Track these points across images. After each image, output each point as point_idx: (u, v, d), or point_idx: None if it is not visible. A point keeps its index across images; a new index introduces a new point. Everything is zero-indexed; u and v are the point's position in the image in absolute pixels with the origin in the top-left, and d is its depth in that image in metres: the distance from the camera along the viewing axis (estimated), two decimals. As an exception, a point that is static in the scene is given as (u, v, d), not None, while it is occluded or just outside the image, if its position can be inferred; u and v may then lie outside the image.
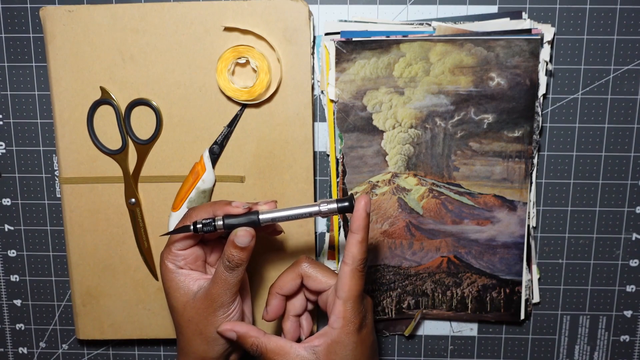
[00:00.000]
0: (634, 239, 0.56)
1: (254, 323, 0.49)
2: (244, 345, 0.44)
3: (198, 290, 0.45)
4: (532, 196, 0.54)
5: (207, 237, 0.46)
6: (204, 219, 0.43)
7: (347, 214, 0.55)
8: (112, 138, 0.53)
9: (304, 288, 0.47)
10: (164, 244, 0.49)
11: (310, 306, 0.49)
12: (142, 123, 0.53)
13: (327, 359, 0.42)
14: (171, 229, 0.54)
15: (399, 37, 0.51)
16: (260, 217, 0.43)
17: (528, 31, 0.51)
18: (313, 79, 0.53)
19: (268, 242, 0.54)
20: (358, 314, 0.42)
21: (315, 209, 0.43)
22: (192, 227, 0.43)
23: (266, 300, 0.47)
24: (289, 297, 0.47)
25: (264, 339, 0.43)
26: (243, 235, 0.42)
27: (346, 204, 0.42)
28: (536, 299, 0.57)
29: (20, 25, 0.54)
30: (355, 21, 0.52)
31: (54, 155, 0.56)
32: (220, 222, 0.43)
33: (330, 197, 0.55)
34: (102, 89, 0.52)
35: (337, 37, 0.52)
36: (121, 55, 0.52)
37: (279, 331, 0.51)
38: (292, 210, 0.43)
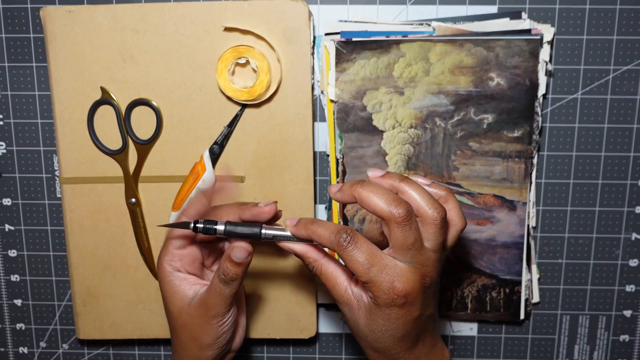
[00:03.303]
0: (633, 238, 0.56)
1: (247, 333, 0.49)
2: (303, 262, 0.43)
3: (194, 296, 0.44)
4: (532, 196, 0.54)
5: (204, 237, 0.46)
6: (206, 220, 0.42)
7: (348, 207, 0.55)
8: (112, 138, 0.53)
9: None
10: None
11: None
12: (142, 123, 0.53)
13: (367, 314, 0.40)
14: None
15: (399, 37, 0.51)
16: (263, 231, 0.42)
17: (528, 31, 0.51)
18: (313, 79, 0.53)
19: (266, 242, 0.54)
20: (384, 291, 0.38)
21: None
22: (192, 225, 0.42)
23: None
24: None
25: (322, 261, 0.42)
26: (239, 251, 0.42)
27: None
28: (536, 298, 0.57)
29: (20, 26, 0.54)
30: (355, 21, 0.52)
31: (54, 155, 0.56)
32: (222, 228, 0.42)
33: (330, 198, 0.55)
34: (102, 89, 0.52)
35: (337, 37, 0.52)
36: (121, 55, 0.52)
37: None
38: None
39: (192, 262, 0.46)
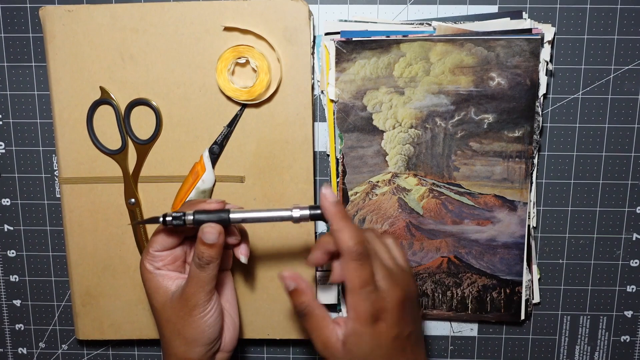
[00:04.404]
0: (634, 239, 0.56)
1: (240, 325, 0.49)
2: (294, 299, 0.43)
3: (176, 290, 0.45)
4: (533, 196, 0.54)
5: (187, 233, 0.45)
6: (174, 212, 0.42)
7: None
8: (111, 138, 0.53)
9: None
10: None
11: None
12: (141, 123, 0.53)
13: (346, 344, 0.41)
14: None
15: (399, 37, 0.51)
16: (231, 215, 0.42)
17: (528, 31, 0.51)
18: (313, 79, 0.53)
19: (267, 243, 0.54)
20: (368, 305, 0.40)
21: (287, 213, 0.42)
22: (161, 219, 0.42)
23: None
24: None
25: (314, 303, 0.43)
26: (209, 232, 0.42)
27: (318, 211, 0.42)
28: (536, 299, 0.56)
29: (19, 25, 0.54)
30: (355, 21, 0.52)
31: (53, 155, 0.56)
32: (190, 217, 0.42)
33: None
34: (102, 89, 0.52)
35: (337, 37, 0.51)
36: (121, 55, 0.51)
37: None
38: (263, 212, 0.43)
39: (174, 262, 0.46)
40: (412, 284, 0.44)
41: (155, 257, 0.45)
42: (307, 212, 0.42)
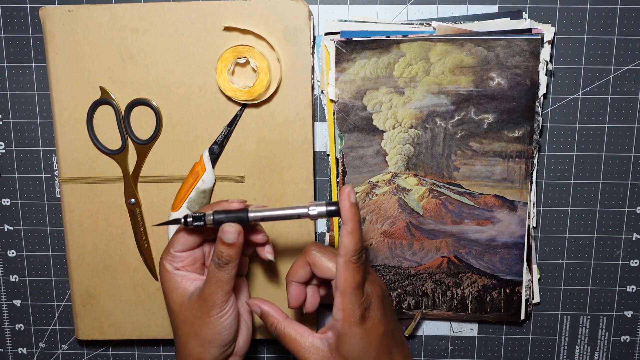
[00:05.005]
0: (634, 239, 0.56)
1: (252, 327, 0.49)
2: (265, 323, 0.45)
3: (194, 291, 0.45)
4: (533, 196, 0.54)
5: (207, 234, 0.46)
6: (195, 213, 0.43)
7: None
8: (111, 138, 0.53)
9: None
10: (164, 245, 0.49)
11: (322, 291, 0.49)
12: (141, 123, 0.53)
13: (336, 350, 0.42)
14: (170, 229, 0.54)
15: (399, 37, 0.51)
16: (250, 215, 0.43)
17: (528, 31, 0.51)
18: (313, 79, 0.53)
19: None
20: (358, 305, 0.42)
21: (304, 211, 0.43)
22: (183, 221, 0.43)
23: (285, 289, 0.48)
24: (307, 283, 0.47)
25: (284, 323, 0.44)
26: (229, 232, 0.42)
27: (334, 208, 0.42)
28: (536, 299, 0.56)
29: (19, 25, 0.54)
30: (355, 21, 0.52)
31: (53, 155, 0.56)
32: (210, 217, 0.43)
33: (330, 197, 0.55)
34: (102, 89, 0.52)
35: (337, 37, 0.51)
36: (121, 55, 0.51)
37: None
38: (280, 210, 0.43)
39: (193, 263, 0.46)
40: (382, 283, 0.46)
41: (175, 257, 0.45)
42: (324, 208, 0.43)
